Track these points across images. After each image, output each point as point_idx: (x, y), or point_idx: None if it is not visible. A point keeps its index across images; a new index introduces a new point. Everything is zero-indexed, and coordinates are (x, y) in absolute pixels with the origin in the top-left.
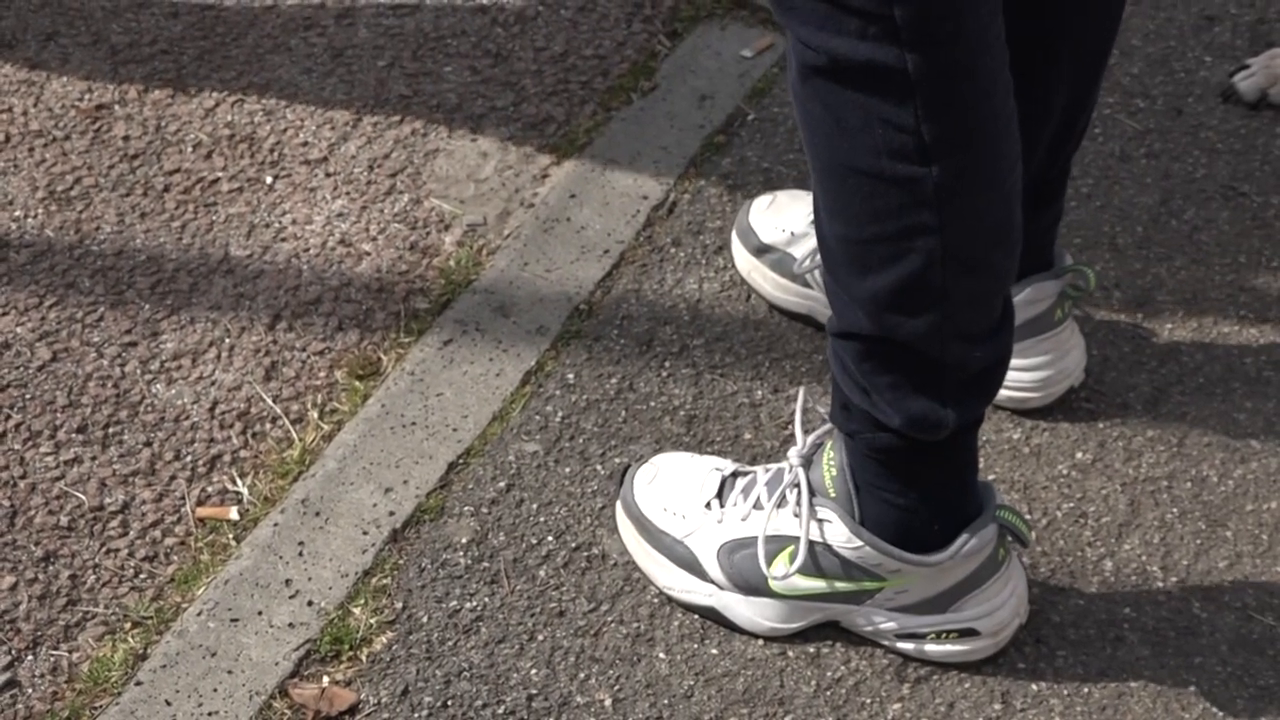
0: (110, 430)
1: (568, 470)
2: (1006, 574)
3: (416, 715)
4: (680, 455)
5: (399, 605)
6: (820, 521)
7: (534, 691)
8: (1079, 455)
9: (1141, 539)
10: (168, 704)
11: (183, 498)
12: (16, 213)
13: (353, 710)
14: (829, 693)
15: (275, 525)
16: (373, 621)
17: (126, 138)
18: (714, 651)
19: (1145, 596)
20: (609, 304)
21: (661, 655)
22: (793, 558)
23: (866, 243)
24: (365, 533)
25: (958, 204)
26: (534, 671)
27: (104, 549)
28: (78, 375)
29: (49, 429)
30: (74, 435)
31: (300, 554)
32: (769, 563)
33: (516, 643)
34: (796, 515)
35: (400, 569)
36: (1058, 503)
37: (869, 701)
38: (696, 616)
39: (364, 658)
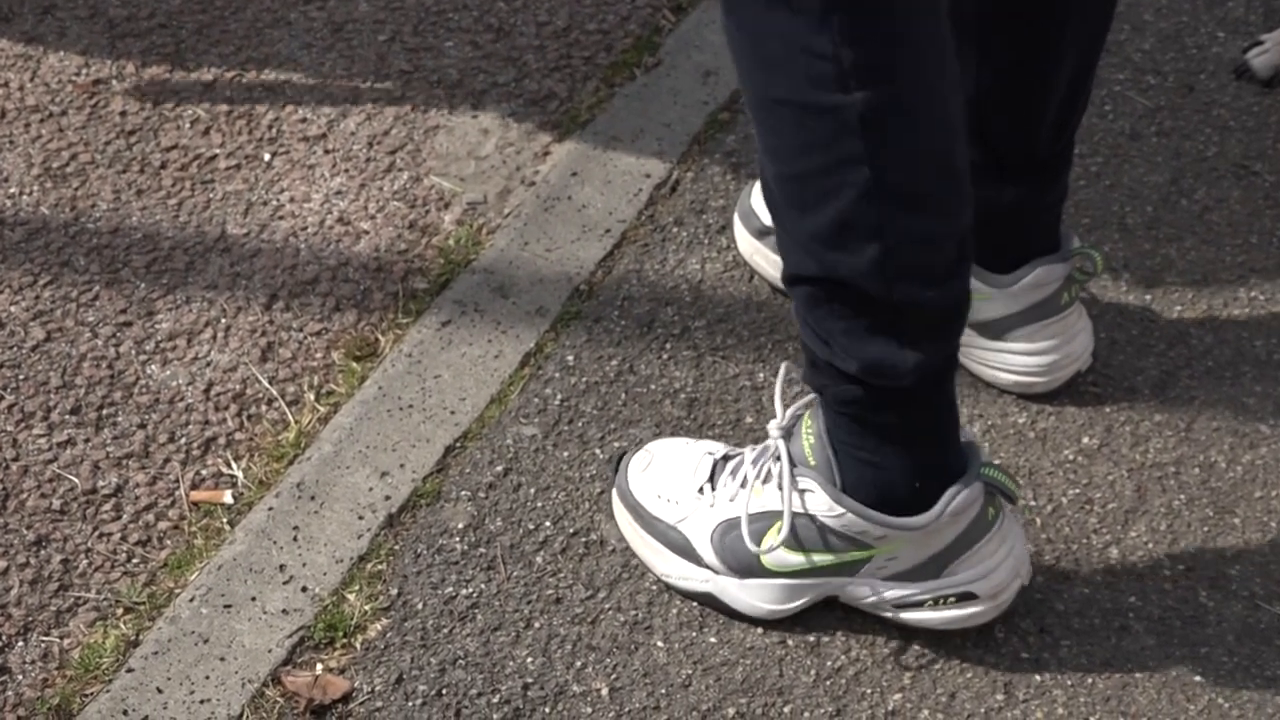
0: (104, 412)
1: (566, 454)
2: (1000, 534)
3: (411, 704)
4: (674, 441)
5: (394, 592)
6: (802, 492)
7: (530, 680)
8: (1085, 440)
9: (1148, 526)
10: (159, 691)
11: (177, 481)
12: (11, 189)
13: (346, 698)
14: (829, 682)
15: (270, 509)
16: (367, 608)
17: (123, 113)
18: (712, 640)
19: (1151, 585)
20: (610, 284)
21: (659, 644)
22: (779, 532)
23: (800, 178)
24: (361, 517)
25: (885, 133)
26: (530, 660)
27: (96, 533)
28: (72, 355)
29: (42, 410)
30: (67, 416)
31: (295, 539)
32: (757, 541)
33: (513, 630)
34: (780, 489)
35: (396, 555)
36: (1063, 489)
37: (869, 691)
38: (695, 604)
39: (358, 645)
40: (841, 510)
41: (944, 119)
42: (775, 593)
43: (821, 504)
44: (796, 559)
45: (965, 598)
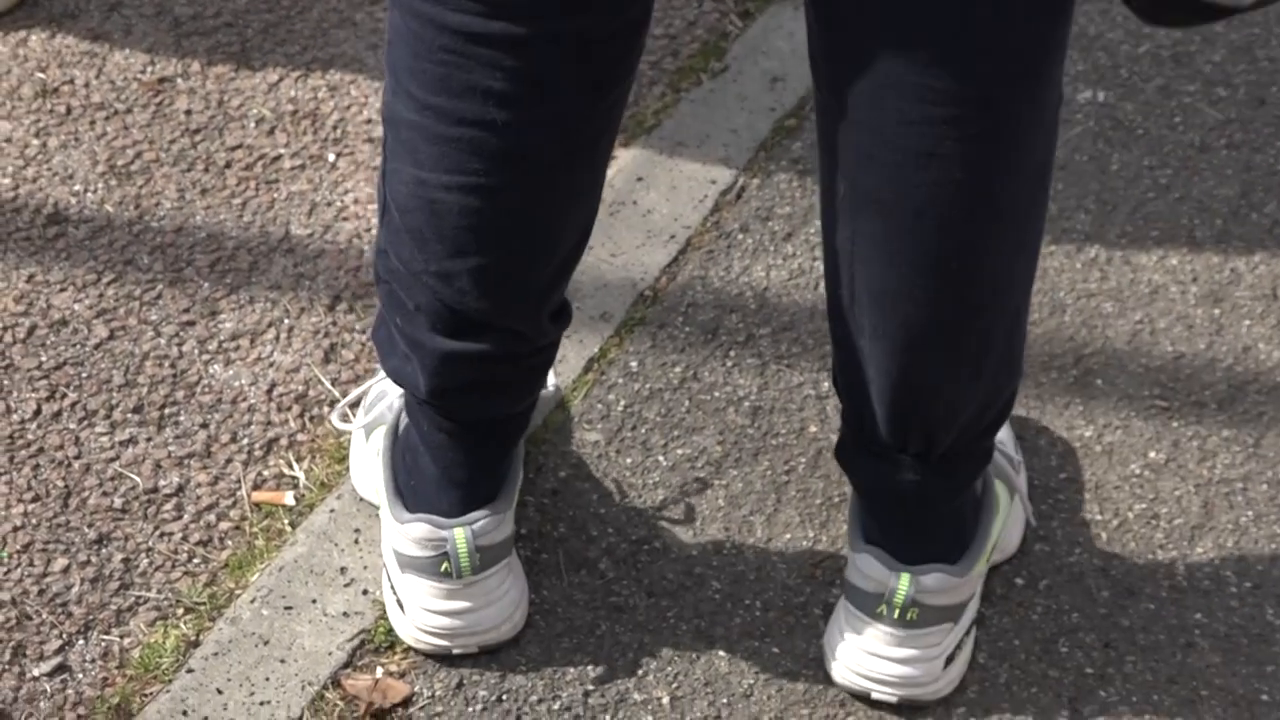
0: (166, 411)
1: (629, 461)
2: (450, 591)
3: (470, 709)
4: None
5: None
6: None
7: (590, 687)
8: (1152, 455)
9: (1215, 542)
10: (219, 692)
11: (238, 481)
12: (76, 187)
13: (406, 703)
14: None
15: (331, 511)
16: None
17: (189, 112)
18: (775, 650)
19: (1218, 601)
20: (674, 291)
21: (721, 653)
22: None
23: None
24: None
25: (390, 142)
26: (591, 667)
27: (158, 532)
28: (135, 354)
29: (105, 408)
30: (130, 415)
31: (356, 541)
32: (380, 416)
33: (574, 637)
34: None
35: None
36: (1129, 503)
37: (934, 704)
38: (759, 613)
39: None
40: (385, 443)
41: (432, 175)
42: (365, 469)
43: (388, 422)
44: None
45: (399, 604)
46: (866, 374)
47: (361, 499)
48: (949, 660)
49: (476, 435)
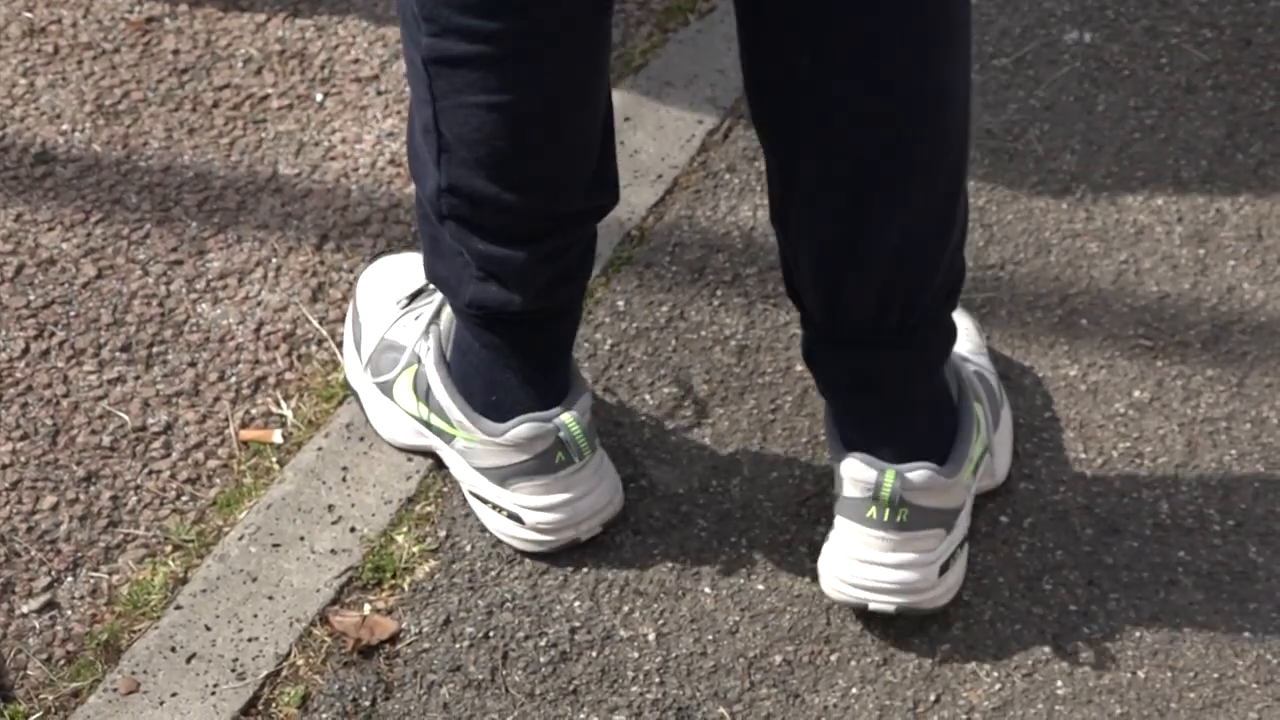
0: (154, 349)
1: (615, 400)
2: (567, 479)
3: (458, 645)
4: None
5: (442, 533)
6: (427, 342)
7: (577, 624)
8: (1136, 394)
9: (1198, 481)
10: (207, 629)
11: (226, 419)
12: (64, 126)
13: (393, 639)
14: (876, 631)
15: (319, 449)
16: (415, 549)
17: (176, 52)
18: (760, 587)
19: (1200, 540)
20: (661, 230)
21: (707, 590)
22: (406, 368)
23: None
24: (410, 459)
25: (440, 81)
26: (577, 604)
27: (146, 470)
28: (123, 293)
29: (93, 347)
30: (118, 354)
31: (344, 479)
32: (395, 370)
33: (560, 574)
34: (422, 333)
35: (444, 496)
36: (1114, 442)
37: (917, 641)
38: (744, 551)
39: (406, 586)
40: (438, 377)
41: (512, 110)
42: (395, 423)
43: (431, 362)
44: (409, 401)
45: (514, 518)
46: (841, 253)
47: (349, 437)
48: (944, 568)
49: (553, 328)
